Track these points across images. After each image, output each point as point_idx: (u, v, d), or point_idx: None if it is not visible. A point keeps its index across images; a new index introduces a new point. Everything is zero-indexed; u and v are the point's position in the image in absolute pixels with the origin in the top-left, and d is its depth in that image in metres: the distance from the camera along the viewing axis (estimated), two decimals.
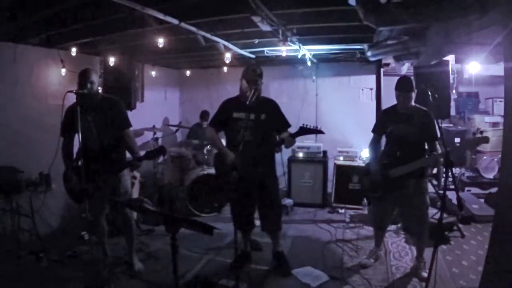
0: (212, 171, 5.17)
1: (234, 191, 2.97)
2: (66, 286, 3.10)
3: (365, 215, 5.00)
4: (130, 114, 3.58)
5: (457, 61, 4.47)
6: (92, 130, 3.06)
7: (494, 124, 5.80)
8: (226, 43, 4.30)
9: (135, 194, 4.52)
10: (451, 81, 4.57)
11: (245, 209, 3.39)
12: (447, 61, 4.23)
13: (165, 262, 3.42)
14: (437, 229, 3.16)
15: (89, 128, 3.04)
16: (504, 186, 2.44)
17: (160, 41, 3.78)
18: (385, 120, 3.35)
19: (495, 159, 5.57)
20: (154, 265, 3.50)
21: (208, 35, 3.87)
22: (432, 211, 4.52)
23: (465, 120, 6.47)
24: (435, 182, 5.32)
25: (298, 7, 3.15)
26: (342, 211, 5.27)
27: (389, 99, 3.39)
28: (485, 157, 5.74)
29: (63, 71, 4.47)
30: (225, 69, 6.60)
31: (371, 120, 3.79)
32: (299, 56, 4.82)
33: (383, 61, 5.35)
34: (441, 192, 4.44)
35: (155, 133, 5.62)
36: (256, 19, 3.09)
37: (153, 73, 6.35)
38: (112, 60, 4.66)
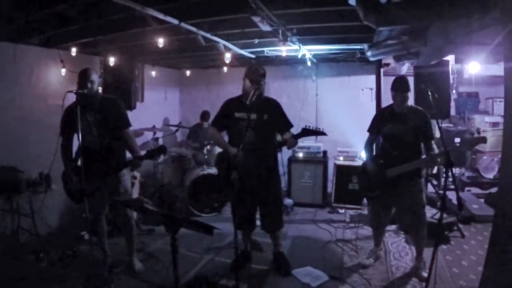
0: (212, 171, 5.18)
1: (235, 191, 2.97)
2: (66, 286, 3.10)
3: (365, 215, 5.00)
4: (130, 114, 3.58)
5: (457, 61, 4.47)
6: (92, 130, 3.06)
7: (494, 124, 5.80)
8: (226, 43, 4.30)
9: (135, 194, 4.52)
10: (451, 81, 4.57)
11: (247, 209, 3.38)
12: (447, 61, 4.23)
13: (165, 262, 3.42)
14: (437, 229, 3.18)
15: (89, 128, 3.04)
16: (504, 186, 2.44)
17: (160, 41, 3.78)
18: (381, 120, 3.35)
19: (495, 159, 5.57)
20: (154, 265, 3.49)
21: (208, 35, 3.87)
22: (432, 211, 4.54)
23: (465, 120, 6.47)
24: (435, 182, 5.33)
25: (298, 7, 3.15)
26: (342, 211, 5.27)
27: (389, 99, 3.39)
28: (485, 157, 5.74)
29: (63, 71, 4.47)
30: (225, 69, 6.60)
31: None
32: (299, 56, 4.82)
33: (383, 61, 5.35)
34: (441, 192, 4.46)
35: (155, 133, 5.61)
36: (256, 19, 3.09)
37: (153, 73, 6.35)
38: (112, 60, 4.66)
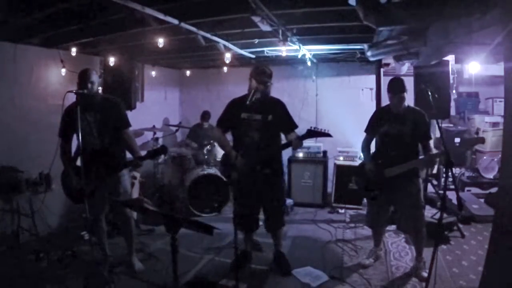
0: (212, 171, 5.18)
1: (235, 191, 2.98)
2: (66, 286, 3.09)
3: (365, 215, 4.99)
4: (130, 114, 3.58)
5: (457, 61, 4.47)
6: (92, 130, 3.06)
7: (494, 124, 5.81)
8: (226, 43, 4.30)
9: (135, 194, 4.52)
10: (451, 81, 4.57)
11: (250, 210, 3.38)
12: (447, 61, 4.23)
13: (165, 262, 3.42)
14: (437, 229, 3.18)
15: (89, 128, 3.04)
16: (504, 186, 2.44)
17: (160, 41, 3.78)
18: (379, 120, 3.35)
19: (495, 159, 5.58)
20: (154, 265, 3.49)
21: (208, 35, 3.87)
22: (432, 211, 4.54)
23: (465, 120, 6.48)
24: (435, 182, 5.33)
25: (298, 7, 3.15)
26: (342, 211, 5.28)
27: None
28: (485, 157, 5.74)
29: (63, 71, 4.47)
30: (225, 69, 6.60)
31: None
32: (299, 56, 4.82)
33: (383, 61, 5.36)
34: (441, 192, 4.46)
35: (155, 133, 5.61)
36: (256, 19, 3.09)
37: (153, 73, 6.35)
38: (112, 60, 4.66)
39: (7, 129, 3.84)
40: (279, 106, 3.33)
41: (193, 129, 6.20)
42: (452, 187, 4.77)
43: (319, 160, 5.60)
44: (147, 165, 5.32)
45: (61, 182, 3.18)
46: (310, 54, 5.13)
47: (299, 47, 4.39)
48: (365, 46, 4.53)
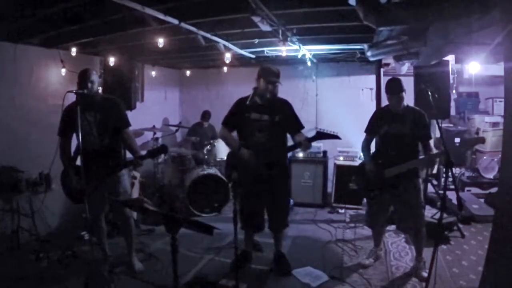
0: (212, 171, 5.18)
1: (235, 191, 2.97)
2: (66, 286, 3.09)
3: (365, 215, 4.99)
4: (130, 114, 3.58)
5: (457, 61, 4.47)
6: (92, 130, 3.06)
7: (494, 124, 5.81)
8: (226, 43, 4.30)
9: (135, 194, 4.52)
10: (451, 81, 4.57)
11: (256, 210, 3.37)
12: (447, 61, 4.23)
13: (165, 262, 3.42)
14: (437, 229, 3.18)
15: (89, 128, 3.04)
16: (504, 186, 2.44)
17: (160, 41, 3.78)
18: (378, 121, 3.36)
19: (495, 159, 5.58)
20: (154, 265, 3.49)
21: (208, 35, 3.87)
22: (432, 211, 4.54)
23: (465, 120, 6.48)
24: (435, 182, 5.33)
25: (298, 7, 3.15)
26: (342, 211, 5.28)
27: None
28: (485, 157, 5.74)
29: (63, 71, 4.47)
30: (225, 69, 6.60)
31: None
32: (299, 56, 4.82)
33: (383, 61, 5.36)
34: (441, 192, 4.46)
35: (155, 133, 5.61)
36: (256, 19, 3.09)
37: (153, 73, 6.35)
38: (112, 60, 4.66)
39: (7, 129, 3.84)
40: (286, 107, 3.31)
41: (193, 128, 6.21)
42: (452, 187, 4.77)
43: (319, 160, 5.60)
44: (147, 165, 5.32)
45: (61, 182, 3.18)
46: (310, 54, 5.13)
47: (299, 47, 4.39)
48: (365, 46, 4.53)
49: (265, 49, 4.71)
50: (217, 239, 3.95)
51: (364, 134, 3.49)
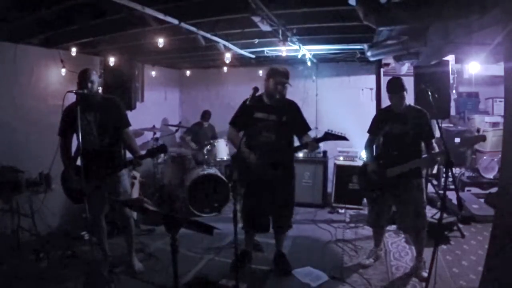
0: (212, 171, 5.18)
1: (235, 191, 2.97)
2: (66, 286, 3.09)
3: (365, 215, 4.99)
4: (130, 114, 3.57)
5: (457, 61, 4.47)
6: (92, 130, 3.06)
7: (494, 124, 5.81)
8: (226, 43, 4.30)
9: (135, 194, 4.52)
10: (451, 81, 4.57)
11: (261, 210, 3.36)
12: (447, 61, 4.23)
13: (165, 262, 3.42)
14: (437, 229, 3.18)
15: (89, 128, 3.04)
16: (504, 186, 2.44)
17: (160, 41, 3.78)
18: (381, 120, 3.36)
19: (495, 159, 5.58)
20: (154, 265, 3.49)
21: (208, 35, 3.88)
22: (432, 211, 4.54)
23: (465, 120, 6.48)
24: (435, 182, 5.33)
25: (298, 7, 3.15)
26: (342, 211, 5.27)
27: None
28: (485, 157, 5.74)
29: (63, 71, 4.47)
30: (225, 69, 6.60)
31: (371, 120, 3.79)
32: (299, 56, 4.82)
33: (383, 61, 5.36)
34: (441, 192, 4.46)
35: (155, 133, 5.62)
36: (256, 19, 3.09)
37: (153, 73, 6.35)
38: (112, 60, 4.66)
39: (7, 129, 3.84)
40: (293, 108, 3.32)
41: (193, 128, 6.20)
42: (452, 187, 4.77)
43: (319, 160, 5.60)
44: (147, 165, 5.32)
45: (61, 182, 3.18)
46: (310, 54, 5.13)
47: (299, 47, 4.39)
48: (365, 46, 4.53)
49: (265, 49, 4.71)
50: (217, 239, 3.95)
51: (367, 135, 3.49)
